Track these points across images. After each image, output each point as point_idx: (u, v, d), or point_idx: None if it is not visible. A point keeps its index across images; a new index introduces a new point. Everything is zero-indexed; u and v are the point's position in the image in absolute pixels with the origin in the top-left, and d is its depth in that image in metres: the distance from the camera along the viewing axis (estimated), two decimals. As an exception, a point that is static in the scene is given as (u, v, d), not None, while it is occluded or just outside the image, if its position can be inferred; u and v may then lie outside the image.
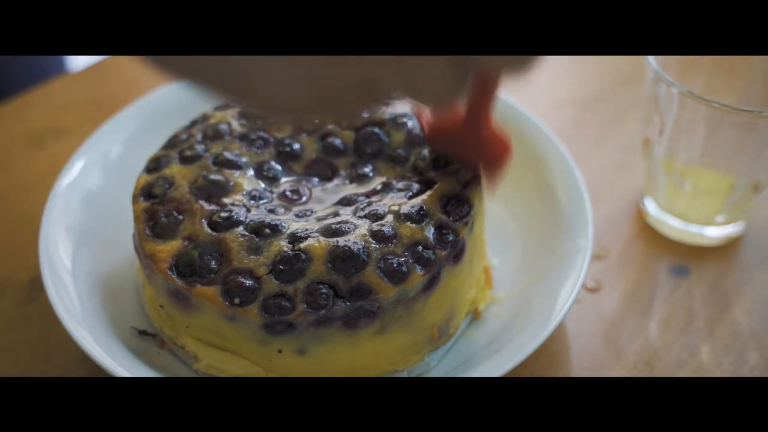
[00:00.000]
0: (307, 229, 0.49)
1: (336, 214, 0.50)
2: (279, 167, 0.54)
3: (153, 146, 0.58)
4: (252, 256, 0.47)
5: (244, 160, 0.53)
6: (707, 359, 0.55)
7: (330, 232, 0.48)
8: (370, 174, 0.54)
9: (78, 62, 0.96)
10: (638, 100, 0.63)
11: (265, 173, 0.53)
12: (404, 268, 0.47)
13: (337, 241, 0.47)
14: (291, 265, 0.47)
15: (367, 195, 0.52)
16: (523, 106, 0.64)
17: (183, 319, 0.49)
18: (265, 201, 0.52)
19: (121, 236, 0.57)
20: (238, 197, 0.51)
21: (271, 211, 0.51)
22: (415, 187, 0.52)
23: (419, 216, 0.49)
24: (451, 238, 0.49)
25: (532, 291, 0.54)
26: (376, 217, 0.49)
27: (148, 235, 0.50)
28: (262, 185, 0.53)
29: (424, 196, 0.50)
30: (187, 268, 0.48)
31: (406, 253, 0.48)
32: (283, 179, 0.54)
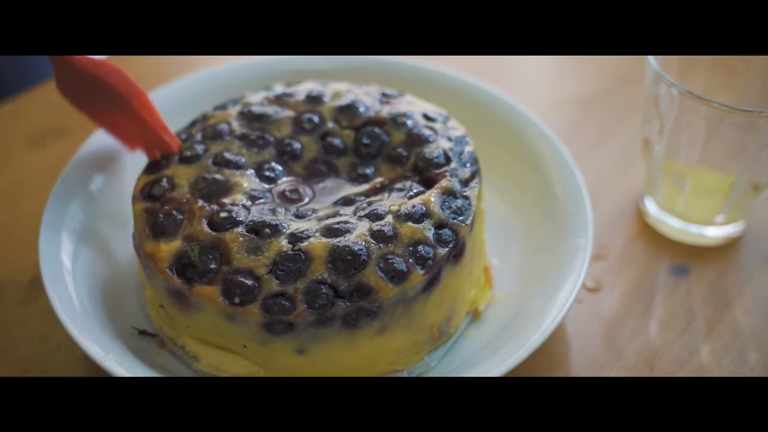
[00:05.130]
0: (307, 229, 0.49)
1: (336, 214, 0.50)
2: (279, 167, 0.54)
3: (153, 146, 0.58)
4: (252, 256, 0.47)
5: (243, 160, 0.54)
6: (707, 359, 0.55)
7: (330, 232, 0.48)
8: (370, 174, 0.54)
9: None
10: (638, 100, 0.63)
11: (265, 173, 0.53)
12: (404, 268, 0.47)
13: (338, 241, 0.47)
14: (291, 265, 0.47)
15: (367, 195, 0.52)
16: (523, 106, 0.64)
17: (183, 318, 0.49)
18: (264, 201, 0.52)
19: (121, 236, 0.57)
20: (238, 197, 0.51)
21: (271, 211, 0.51)
22: (415, 187, 0.52)
23: (419, 216, 0.49)
24: (451, 237, 0.49)
25: (532, 291, 0.54)
26: (376, 217, 0.49)
27: (148, 235, 0.50)
28: (262, 185, 0.53)
29: (424, 196, 0.50)
30: (187, 268, 0.48)
31: (406, 253, 0.48)
32: (283, 179, 0.54)
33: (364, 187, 0.53)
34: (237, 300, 0.46)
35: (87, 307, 0.51)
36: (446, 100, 0.63)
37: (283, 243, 0.48)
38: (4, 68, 0.85)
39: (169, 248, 0.49)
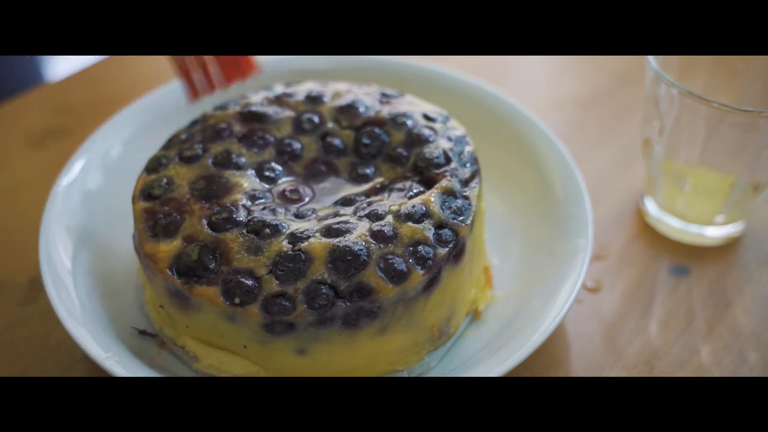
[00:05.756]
0: (307, 229, 0.49)
1: (336, 214, 0.50)
2: (279, 167, 0.54)
3: (153, 146, 0.58)
4: (252, 256, 0.47)
5: (243, 160, 0.53)
6: (707, 359, 0.55)
7: (330, 232, 0.48)
8: (370, 174, 0.54)
9: (77, 62, 0.96)
10: (638, 100, 0.63)
11: (265, 173, 0.53)
12: (404, 268, 0.47)
13: (338, 241, 0.47)
14: (291, 265, 0.47)
15: (367, 195, 0.52)
16: (523, 106, 0.64)
17: (183, 319, 0.49)
18: (265, 201, 0.52)
19: (121, 236, 0.57)
20: (238, 197, 0.51)
21: (271, 211, 0.51)
22: (415, 187, 0.52)
23: (419, 216, 0.49)
24: (451, 237, 0.49)
25: (532, 291, 0.54)
26: (376, 217, 0.49)
27: (148, 235, 0.50)
28: (262, 185, 0.53)
29: (424, 196, 0.50)
30: (187, 268, 0.48)
31: (406, 253, 0.48)
32: (283, 179, 0.54)
33: (364, 187, 0.53)
34: (237, 300, 0.46)
35: (87, 307, 0.52)
36: (446, 100, 0.63)
37: (283, 243, 0.48)
38: (4, 68, 0.85)
39: (169, 248, 0.49)
